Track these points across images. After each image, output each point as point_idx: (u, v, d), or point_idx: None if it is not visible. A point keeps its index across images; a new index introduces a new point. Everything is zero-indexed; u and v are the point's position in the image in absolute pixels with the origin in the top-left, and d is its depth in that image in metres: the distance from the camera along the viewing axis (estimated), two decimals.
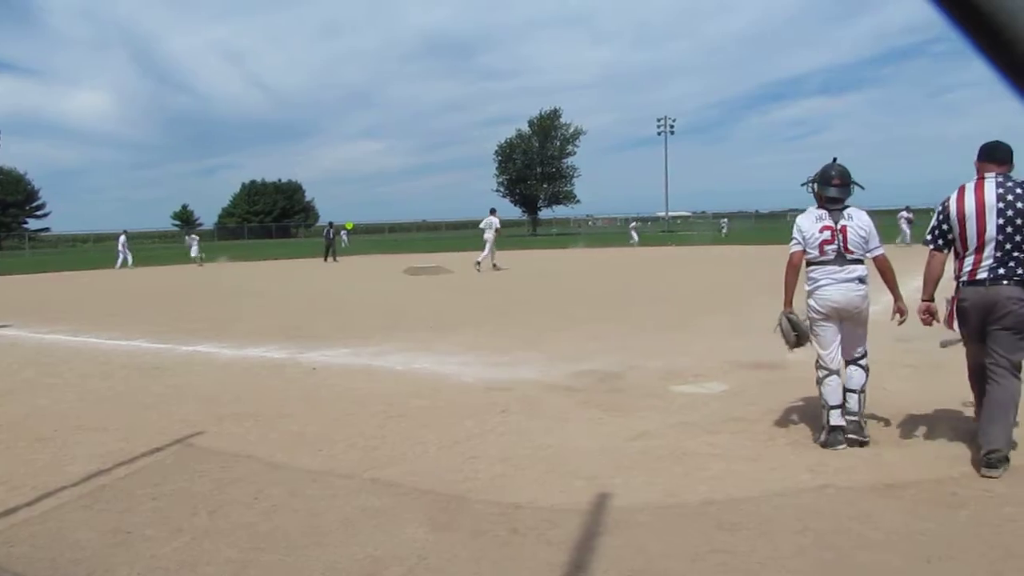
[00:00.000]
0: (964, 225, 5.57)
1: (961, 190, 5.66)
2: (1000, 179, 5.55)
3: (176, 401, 8.04)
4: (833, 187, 6.08)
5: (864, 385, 6.02)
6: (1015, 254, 5.37)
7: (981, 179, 5.63)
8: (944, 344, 6.47)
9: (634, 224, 56.59)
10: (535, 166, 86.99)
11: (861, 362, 6.06)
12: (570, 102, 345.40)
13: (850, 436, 5.86)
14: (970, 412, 6.38)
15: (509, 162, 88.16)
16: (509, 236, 74.28)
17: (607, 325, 12.73)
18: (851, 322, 6.01)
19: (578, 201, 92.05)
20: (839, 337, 6.04)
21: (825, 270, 5.95)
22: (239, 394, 8.27)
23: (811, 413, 6.64)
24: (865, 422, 6.05)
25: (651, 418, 6.81)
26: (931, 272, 5.85)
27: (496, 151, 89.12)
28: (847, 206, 6.10)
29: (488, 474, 5.48)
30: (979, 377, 5.67)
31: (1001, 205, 5.42)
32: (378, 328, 13.12)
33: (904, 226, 37.69)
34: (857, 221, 6.00)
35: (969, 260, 5.56)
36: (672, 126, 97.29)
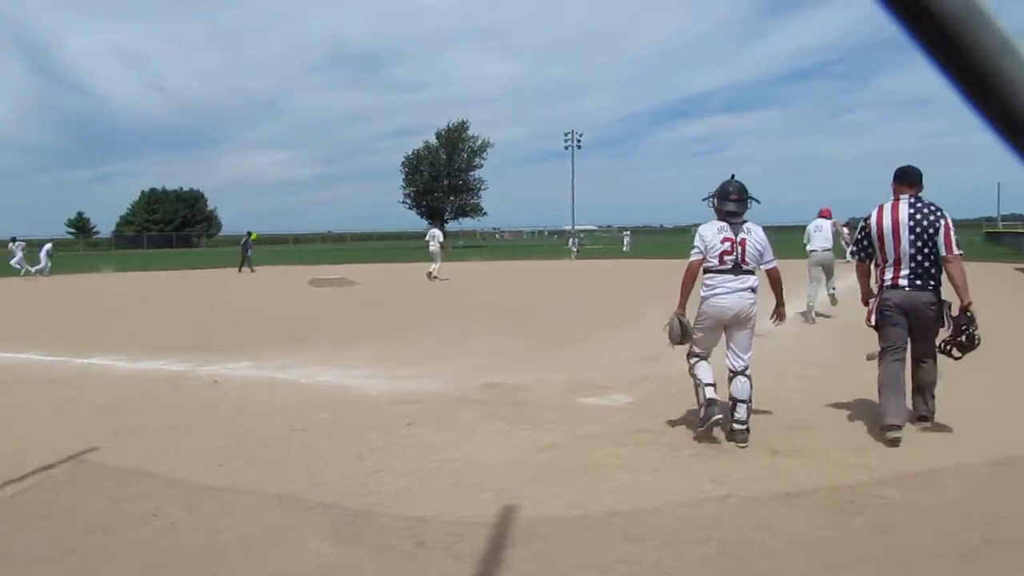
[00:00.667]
0: (883, 240, 6.54)
1: (880, 209, 6.63)
2: (912, 200, 6.51)
3: (70, 415, 7.73)
4: (731, 201, 6.52)
5: (750, 395, 6.40)
6: (926, 264, 6.38)
7: (896, 200, 6.59)
8: (870, 357, 7.01)
9: (573, 239, 56.54)
10: (442, 178, 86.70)
11: (747, 372, 6.46)
12: (478, 115, 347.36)
13: (741, 446, 6.25)
14: (863, 421, 6.88)
15: (416, 174, 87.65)
16: (414, 248, 74.04)
17: (514, 338, 12.77)
18: (739, 326, 6.47)
19: (485, 213, 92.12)
20: (718, 340, 6.59)
21: (722, 278, 6.40)
22: (136, 408, 8.00)
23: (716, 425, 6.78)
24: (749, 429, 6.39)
25: (557, 430, 6.84)
26: (860, 280, 7.01)
27: (403, 162, 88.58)
28: (745, 220, 6.52)
29: (393, 487, 5.43)
30: (891, 373, 6.55)
31: (912, 223, 6.41)
32: (282, 340, 12.88)
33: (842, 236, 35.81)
34: (755, 235, 6.47)
35: (889, 270, 6.53)
36: (579, 140, 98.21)
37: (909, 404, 6.65)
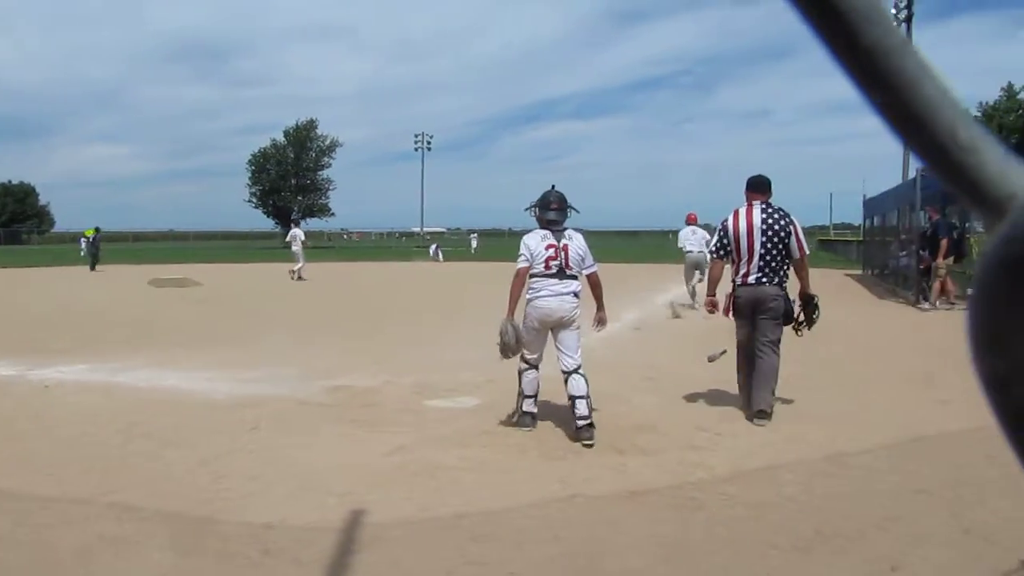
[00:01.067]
0: (738, 241, 7.38)
1: (736, 213, 7.48)
2: (763, 206, 7.40)
3: None
4: (552, 210, 6.98)
5: (587, 391, 6.72)
6: (773, 264, 7.28)
7: (750, 205, 7.45)
8: (711, 359, 7.93)
9: (435, 248, 52.15)
10: (290, 177, 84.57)
11: (579, 371, 6.81)
12: (328, 113, 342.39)
13: (586, 443, 6.49)
14: (704, 421, 7.20)
15: (263, 172, 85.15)
16: (261, 248, 72.17)
17: (362, 340, 12.67)
18: (564, 328, 6.86)
19: (333, 214, 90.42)
20: (545, 344, 6.98)
21: (546, 282, 6.82)
22: None
23: (560, 426, 6.94)
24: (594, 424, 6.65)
25: (405, 433, 6.85)
26: (713, 275, 7.80)
27: (249, 160, 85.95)
28: (566, 228, 6.97)
29: (238, 493, 5.31)
30: (748, 357, 7.44)
31: (764, 227, 7.28)
32: (120, 343, 12.34)
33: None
34: (576, 242, 6.92)
35: (743, 268, 7.38)
36: (429, 142, 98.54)
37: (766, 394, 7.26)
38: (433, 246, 52.04)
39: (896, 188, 23.76)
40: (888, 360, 10.64)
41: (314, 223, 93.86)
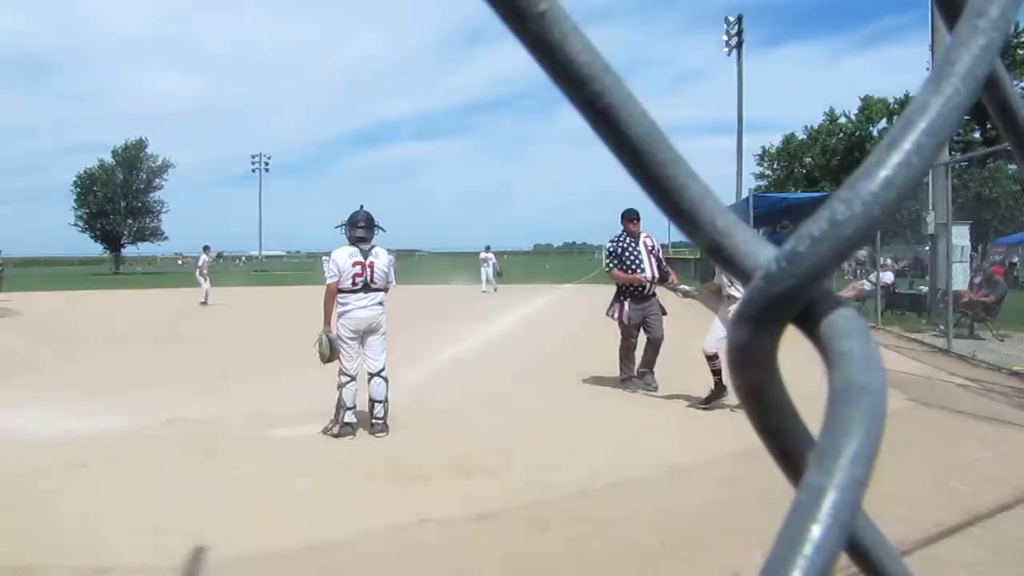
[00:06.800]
0: (637, 260, 9.88)
1: (624, 238, 10.04)
2: (646, 232, 10.08)
3: None
4: (360, 228, 7.69)
5: (386, 395, 7.59)
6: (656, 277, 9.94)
7: (638, 232, 10.00)
8: (686, 294, 10.01)
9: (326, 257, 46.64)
10: (119, 200, 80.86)
11: (382, 374, 7.69)
12: (161, 133, 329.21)
13: (379, 435, 7.51)
14: (551, 440, 7.33)
15: (90, 194, 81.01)
16: (88, 273, 68.76)
17: (200, 369, 12.25)
18: (372, 333, 7.70)
19: (166, 238, 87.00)
20: (360, 353, 7.69)
21: (355, 296, 7.58)
22: None
23: (409, 451, 6.94)
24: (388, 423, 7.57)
25: (247, 465, 6.67)
26: (619, 279, 9.98)
27: (75, 182, 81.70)
28: (374, 245, 7.69)
29: (68, 536, 5.02)
30: (630, 349, 10.03)
31: (651, 249, 9.97)
32: None
33: (487, 272, 34.95)
34: (382, 259, 7.68)
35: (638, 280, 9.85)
36: (267, 163, 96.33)
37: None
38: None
39: (731, 207, 25.04)
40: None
41: (147, 248, 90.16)
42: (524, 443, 7.33)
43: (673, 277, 10.08)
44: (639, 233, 10.05)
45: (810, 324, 0.34)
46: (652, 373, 9.94)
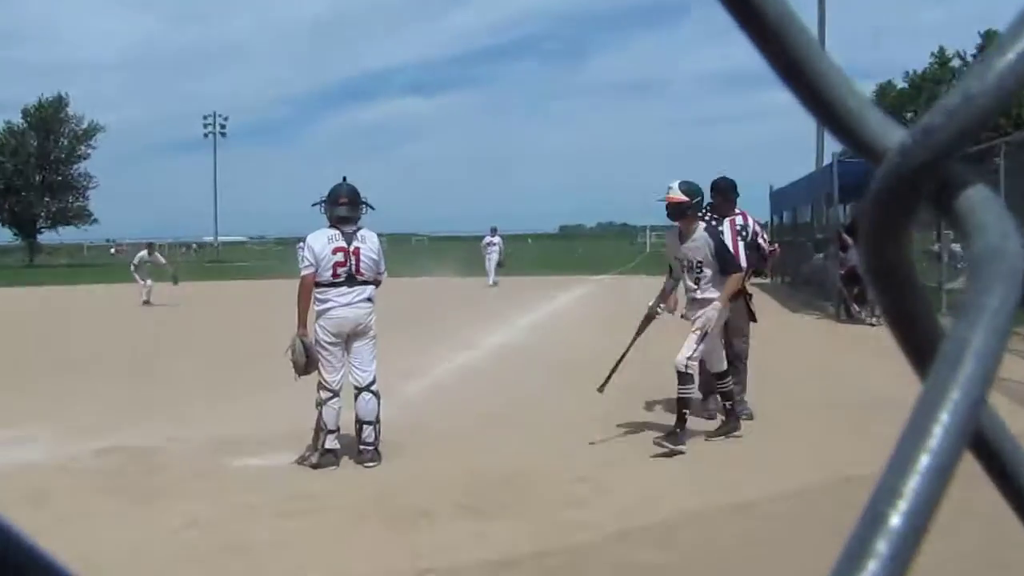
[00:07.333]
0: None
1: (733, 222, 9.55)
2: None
3: None
4: (342, 206, 7.56)
5: (378, 414, 7.50)
6: None
7: (724, 209, 9.50)
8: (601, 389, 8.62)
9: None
10: (32, 173, 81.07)
11: (372, 388, 7.53)
12: (85, 87, 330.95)
13: (369, 464, 7.38)
14: (585, 468, 7.34)
15: None
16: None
17: (140, 384, 12.28)
18: (358, 338, 7.62)
19: (95, 221, 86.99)
20: (344, 363, 7.48)
21: (336, 291, 7.44)
22: None
23: (406, 484, 6.95)
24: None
25: (202, 503, 6.69)
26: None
27: None
28: (360, 227, 7.61)
29: None
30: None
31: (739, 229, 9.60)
32: None
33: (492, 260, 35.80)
34: (369, 243, 7.56)
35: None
36: (223, 126, 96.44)
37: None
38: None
39: (809, 176, 24.35)
40: (807, 388, 11.05)
41: (71, 233, 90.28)
42: (549, 471, 7.34)
43: (772, 255, 9.90)
44: (729, 212, 9.58)
45: (945, 200, 0.40)
46: (744, 401, 9.38)
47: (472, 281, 34.20)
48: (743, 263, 9.04)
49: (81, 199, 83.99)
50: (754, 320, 9.70)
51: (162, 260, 30.01)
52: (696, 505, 6.37)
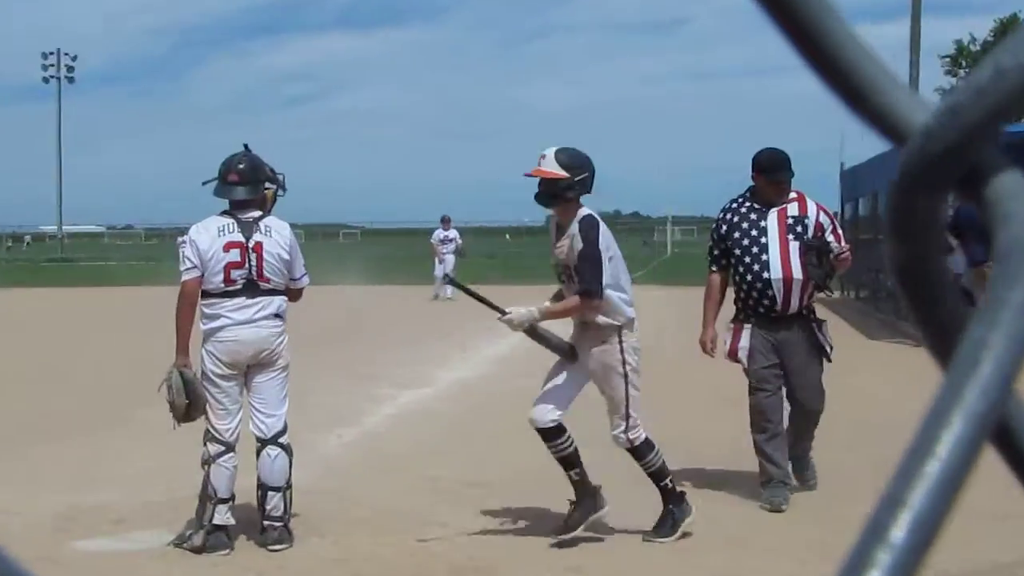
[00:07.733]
0: (747, 246, 9.05)
1: (738, 203, 9.24)
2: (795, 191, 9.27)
3: None
4: (237, 185, 7.23)
5: (288, 478, 7.15)
6: None
7: (771, 192, 9.07)
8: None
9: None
10: None
11: (281, 440, 7.20)
12: None
13: (276, 547, 7.03)
14: (572, 556, 7.42)
15: None
16: None
17: None
18: (260, 370, 7.18)
19: None
20: (240, 405, 7.20)
21: (231, 304, 7.11)
22: None
23: (328, 574, 6.96)
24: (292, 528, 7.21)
25: None
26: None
27: None
28: (263, 215, 7.27)
29: None
30: (762, 412, 8.92)
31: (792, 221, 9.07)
32: None
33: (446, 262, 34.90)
34: (277, 237, 7.20)
35: None
36: (71, 68, 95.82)
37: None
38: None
39: (894, 152, 24.23)
40: (887, 445, 11.04)
41: None
42: (525, 563, 7.39)
43: (843, 262, 9.29)
44: (782, 196, 9.07)
45: (973, 187, 0.45)
46: (809, 458, 9.27)
47: (421, 290, 34.07)
48: (778, 267, 8.80)
49: None
50: (828, 358, 9.22)
51: None
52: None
